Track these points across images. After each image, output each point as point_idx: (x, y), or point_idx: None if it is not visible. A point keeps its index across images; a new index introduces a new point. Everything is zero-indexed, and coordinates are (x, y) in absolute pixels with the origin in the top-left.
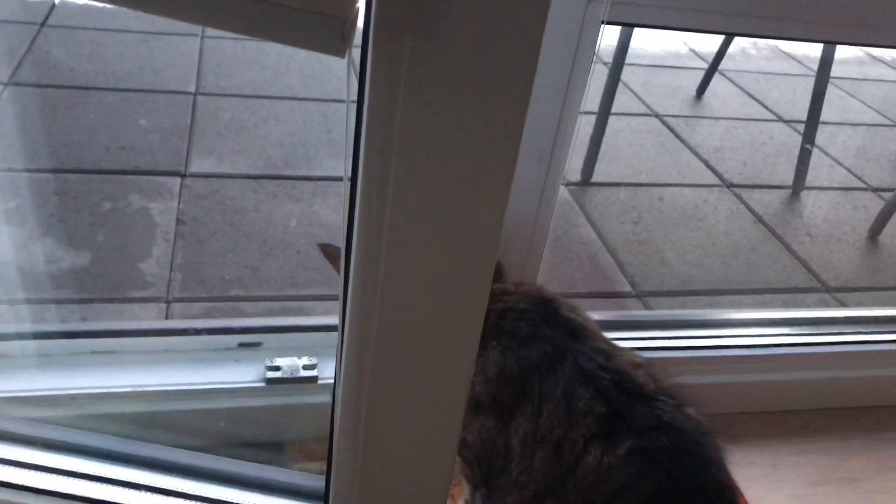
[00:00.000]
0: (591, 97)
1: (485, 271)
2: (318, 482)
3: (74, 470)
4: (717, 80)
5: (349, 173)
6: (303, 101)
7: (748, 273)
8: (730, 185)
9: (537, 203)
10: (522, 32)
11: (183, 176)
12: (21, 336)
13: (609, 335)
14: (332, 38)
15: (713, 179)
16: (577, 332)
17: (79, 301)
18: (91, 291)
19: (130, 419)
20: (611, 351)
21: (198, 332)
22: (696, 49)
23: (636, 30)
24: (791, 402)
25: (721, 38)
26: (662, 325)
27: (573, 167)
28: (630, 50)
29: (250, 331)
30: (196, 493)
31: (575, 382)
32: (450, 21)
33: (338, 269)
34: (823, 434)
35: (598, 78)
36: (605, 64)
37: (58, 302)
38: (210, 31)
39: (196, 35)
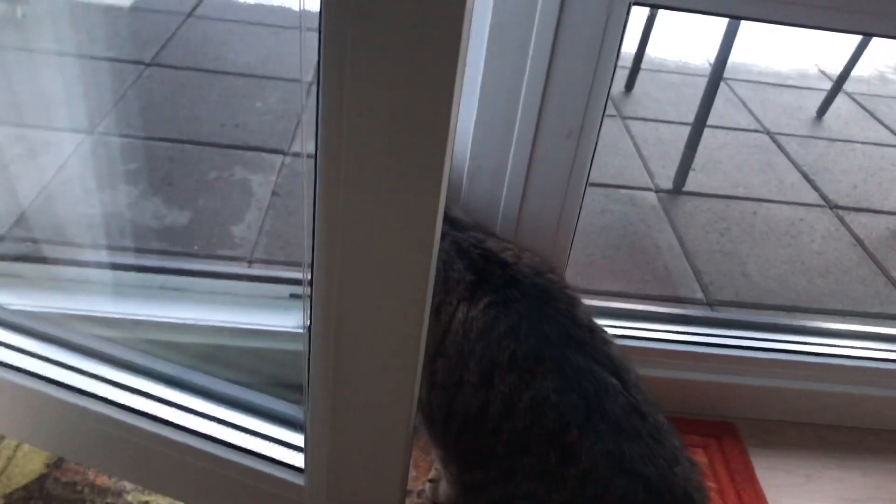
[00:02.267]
0: (689, 108)
1: (433, 201)
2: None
3: (129, 384)
4: (844, 102)
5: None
6: None
7: (835, 293)
8: (833, 206)
9: (566, 180)
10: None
11: (285, 154)
12: (100, 265)
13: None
14: None
15: (816, 199)
16: (458, 223)
17: (173, 253)
18: (185, 246)
19: (186, 349)
20: (484, 237)
21: (255, 278)
22: (827, 70)
23: (762, 48)
24: (843, 418)
25: (847, 57)
26: (725, 323)
27: (666, 175)
28: (752, 67)
29: (301, 283)
30: (205, 411)
31: (453, 255)
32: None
33: None
34: (873, 454)
35: (698, 89)
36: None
37: (154, 252)
38: None
39: None
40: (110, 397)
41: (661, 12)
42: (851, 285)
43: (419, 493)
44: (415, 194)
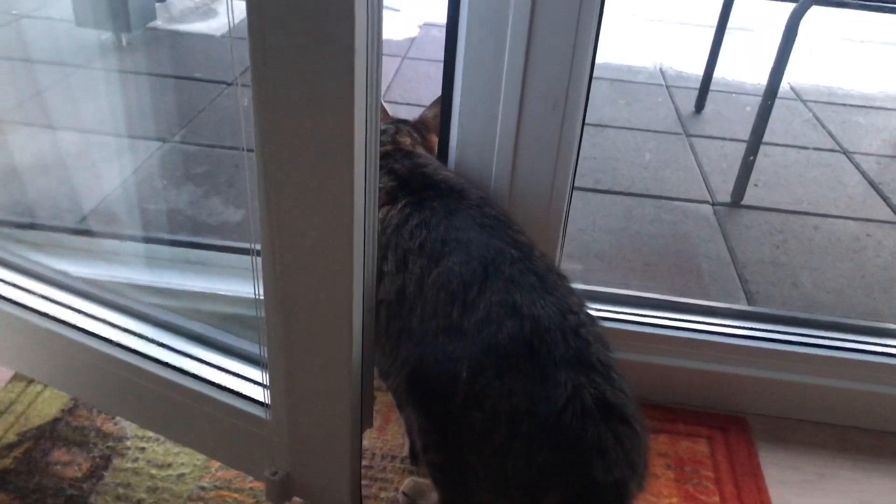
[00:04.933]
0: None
1: (348, 174)
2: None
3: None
4: None
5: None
6: None
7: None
8: None
9: (555, 152)
10: None
11: None
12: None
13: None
14: None
15: (889, 216)
16: (409, 154)
17: (221, 248)
18: (235, 240)
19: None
20: (425, 163)
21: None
22: None
23: (841, 69)
24: (865, 419)
25: None
26: (742, 315)
27: (726, 189)
28: (836, 90)
29: None
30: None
31: (382, 175)
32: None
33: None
34: (893, 458)
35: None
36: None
37: (203, 248)
38: (412, 53)
39: (398, 56)
40: (124, 343)
41: (731, 32)
42: None
43: (402, 459)
44: (332, 168)
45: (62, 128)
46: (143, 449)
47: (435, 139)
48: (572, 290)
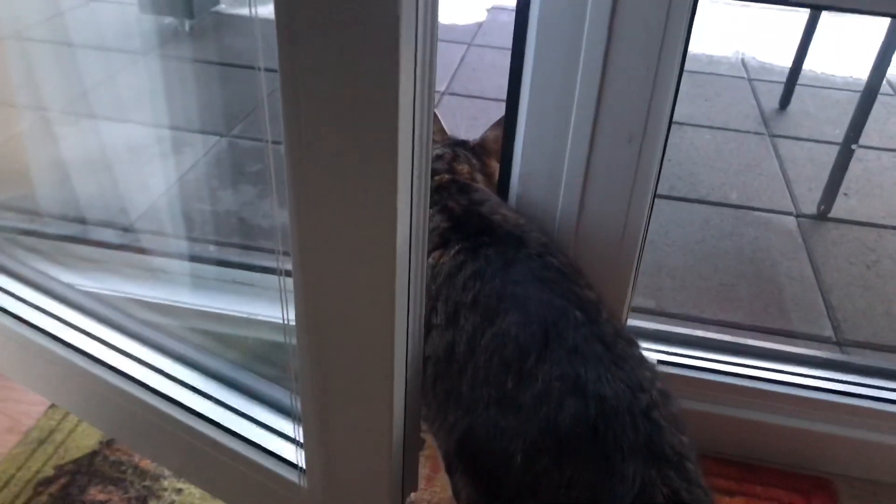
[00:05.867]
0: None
1: (390, 183)
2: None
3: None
4: None
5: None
6: None
7: None
8: None
9: (629, 191)
10: None
11: None
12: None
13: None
14: None
15: None
16: (465, 187)
17: (275, 251)
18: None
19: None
20: (482, 199)
21: None
22: None
23: None
24: None
25: None
26: (828, 364)
27: (812, 199)
28: None
29: None
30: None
31: (435, 213)
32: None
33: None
34: None
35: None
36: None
37: (255, 249)
38: (478, 40)
39: (464, 43)
40: (156, 386)
41: (823, 20)
42: None
43: None
44: (372, 177)
45: (116, 119)
46: (179, 490)
47: (495, 164)
48: (643, 360)
